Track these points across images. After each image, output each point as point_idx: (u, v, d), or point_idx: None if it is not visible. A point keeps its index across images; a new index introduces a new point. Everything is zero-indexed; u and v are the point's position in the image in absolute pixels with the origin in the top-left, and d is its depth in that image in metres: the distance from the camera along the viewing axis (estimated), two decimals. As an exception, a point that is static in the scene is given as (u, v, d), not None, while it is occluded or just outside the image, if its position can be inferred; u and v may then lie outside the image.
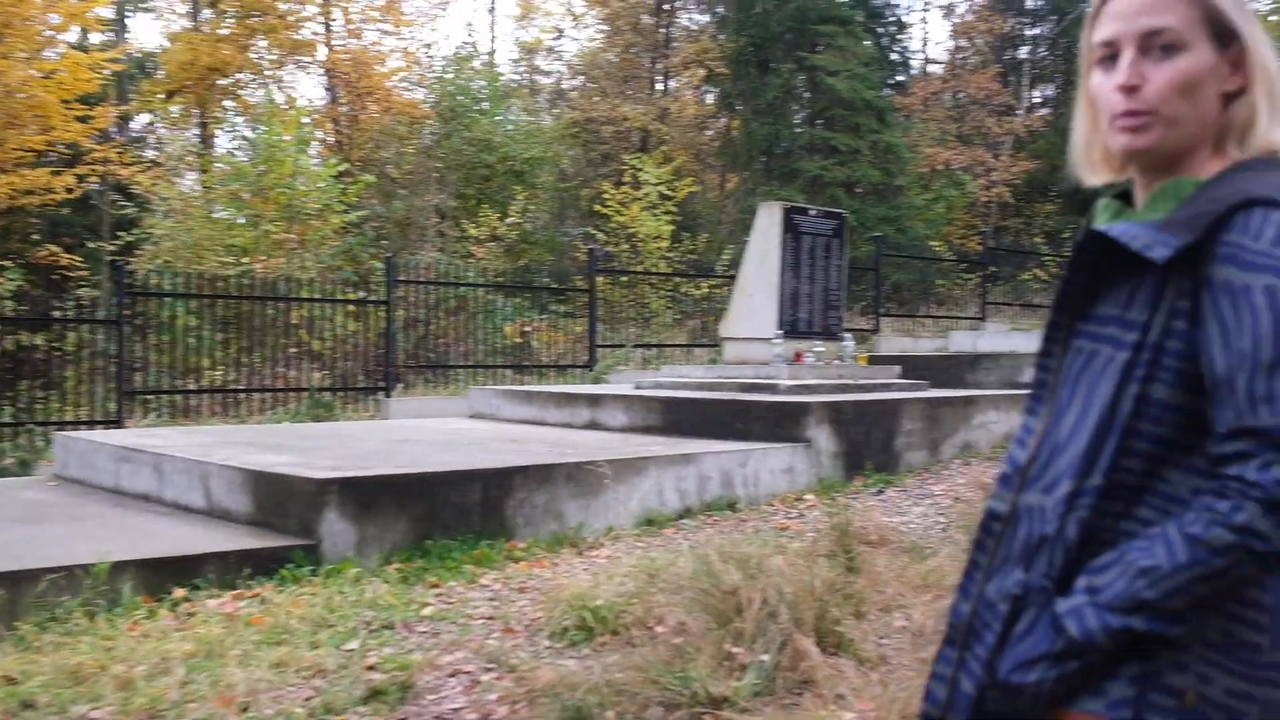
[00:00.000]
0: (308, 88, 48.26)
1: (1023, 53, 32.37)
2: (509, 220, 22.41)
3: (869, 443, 8.73)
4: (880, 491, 8.21)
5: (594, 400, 10.08)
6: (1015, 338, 15.79)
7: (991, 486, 1.58)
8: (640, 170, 23.29)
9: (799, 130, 27.65)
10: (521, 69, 39.60)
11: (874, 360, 12.08)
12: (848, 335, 11.11)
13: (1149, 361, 1.39)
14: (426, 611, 5.31)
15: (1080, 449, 1.43)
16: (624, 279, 17.67)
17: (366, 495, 6.16)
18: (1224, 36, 1.46)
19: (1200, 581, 1.30)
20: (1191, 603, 1.32)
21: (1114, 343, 1.43)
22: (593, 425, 9.88)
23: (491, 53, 36.54)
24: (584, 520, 6.92)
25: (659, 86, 34.85)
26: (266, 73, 26.91)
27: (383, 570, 5.92)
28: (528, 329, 16.54)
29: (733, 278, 12.98)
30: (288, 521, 6.21)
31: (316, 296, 13.87)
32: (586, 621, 4.86)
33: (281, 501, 6.30)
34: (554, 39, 39.59)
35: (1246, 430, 1.29)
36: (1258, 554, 1.28)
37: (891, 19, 31.76)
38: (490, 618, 5.25)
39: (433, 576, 5.91)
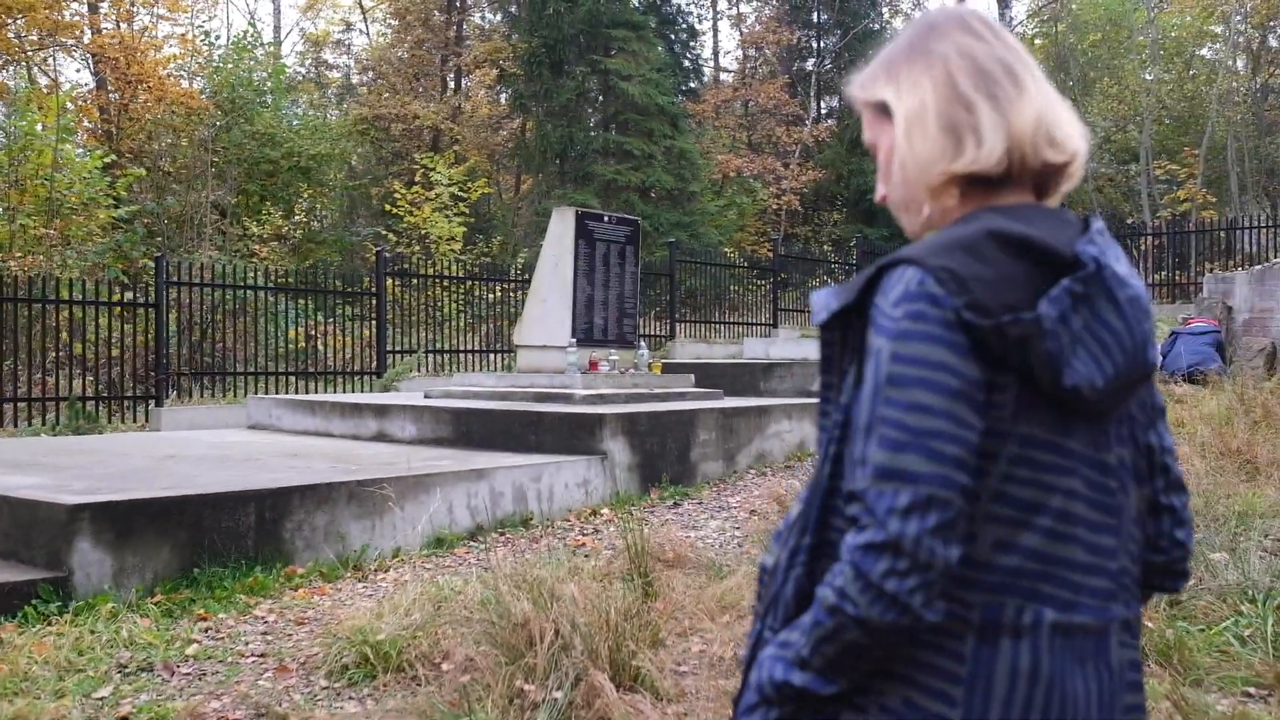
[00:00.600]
0: (72, 73, 45.32)
1: (810, 64, 33.24)
2: (294, 219, 21.52)
3: (665, 454, 8.63)
4: (677, 504, 8.11)
5: (381, 410, 9.66)
6: (806, 345, 16.08)
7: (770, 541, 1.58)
8: (432, 170, 22.77)
9: (593, 134, 27.61)
10: (308, 63, 38.32)
11: (669, 368, 12.03)
12: (643, 343, 11.02)
13: (841, 422, 1.40)
14: (191, 650, 4.87)
15: (802, 509, 1.45)
16: (415, 281, 17.17)
17: (125, 521, 5.63)
18: (889, 108, 1.51)
19: (824, 642, 1.33)
20: (828, 663, 1.34)
21: (828, 401, 1.46)
22: (380, 437, 9.46)
23: (276, 44, 35.16)
24: (369, 542, 6.55)
25: (451, 85, 34.26)
26: (24, 55, 25.07)
27: (143, 604, 5.42)
28: (314, 333, 15.87)
29: (527, 281, 12.74)
30: (34, 552, 5.62)
31: (78, 297, 12.88)
32: (368, 658, 4.53)
33: (27, 530, 5.69)
34: (342, 32, 38.50)
35: (853, 494, 1.32)
36: (851, 618, 1.29)
37: (683, 26, 32.11)
38: (263, 655, 4.85)
39: (201, 609, 5.45)
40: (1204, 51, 32.42)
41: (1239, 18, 29.51)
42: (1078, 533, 1.36)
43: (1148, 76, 30.27)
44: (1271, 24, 32.09)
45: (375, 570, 6.33)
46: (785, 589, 1.44)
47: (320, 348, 15.63)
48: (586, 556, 6.47)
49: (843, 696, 1.36)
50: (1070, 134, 1.46)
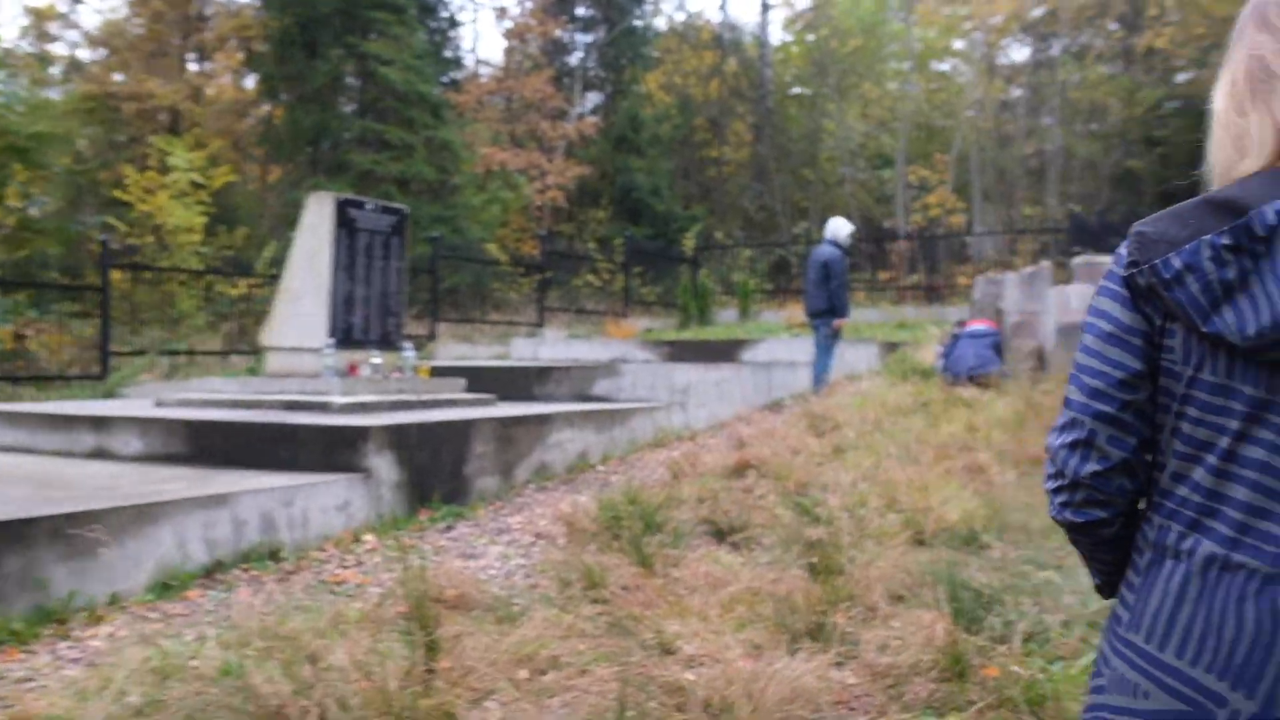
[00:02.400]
0: None
1: (575, 59, 32.63)
2: (8, 205, 19.24)
3: (436, 469, 7.68)
4: (450, 527, 7.19)
5: (100, 423, 8.28)
6: (576, 346, 15.36)
7: None
8: (169, 154, 20.84)
9: (349, 121, 26.07)
10: (30, 37, 34.94)
11: (437, 372, 11.04)
12: (408, 344, 10.01)
13: None
14: None
15: None
16: (148, 275, 15.48)
17: None
18: None
19: None
20: (1084, 560, 1.72)
21: None
22: (100, 454, 8.10)
23: (-11, 13, 31.82)
24: (78, 588, 5.35)
25: (192, 65, 31.87)
26: None
27: None
28: (26, 331, 14.01)
29: (275, 277, 11.49)
30: None
31: None
32: (64, 763, 3.46)
33: None
34: (70, 6, 35.34)
35: None
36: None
37: (445, 14, 30.93)
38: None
39: None
40: (945, 66, 33.69)
41: (979, 35, 30.81)
42: (1246, 474, 1.43)
43: (895, 85, 31.17)
44: (1004, 43, 33.74)
45: (86, 623, 5.15)
46: None
47: (33, 348, 13.79)
48: (350, 596, 5.50)
49: (1116, 589, 1.62)
50: None
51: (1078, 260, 12.69)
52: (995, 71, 32.95)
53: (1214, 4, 30.88)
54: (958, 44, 32.98)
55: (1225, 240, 1.39)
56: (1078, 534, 1.61)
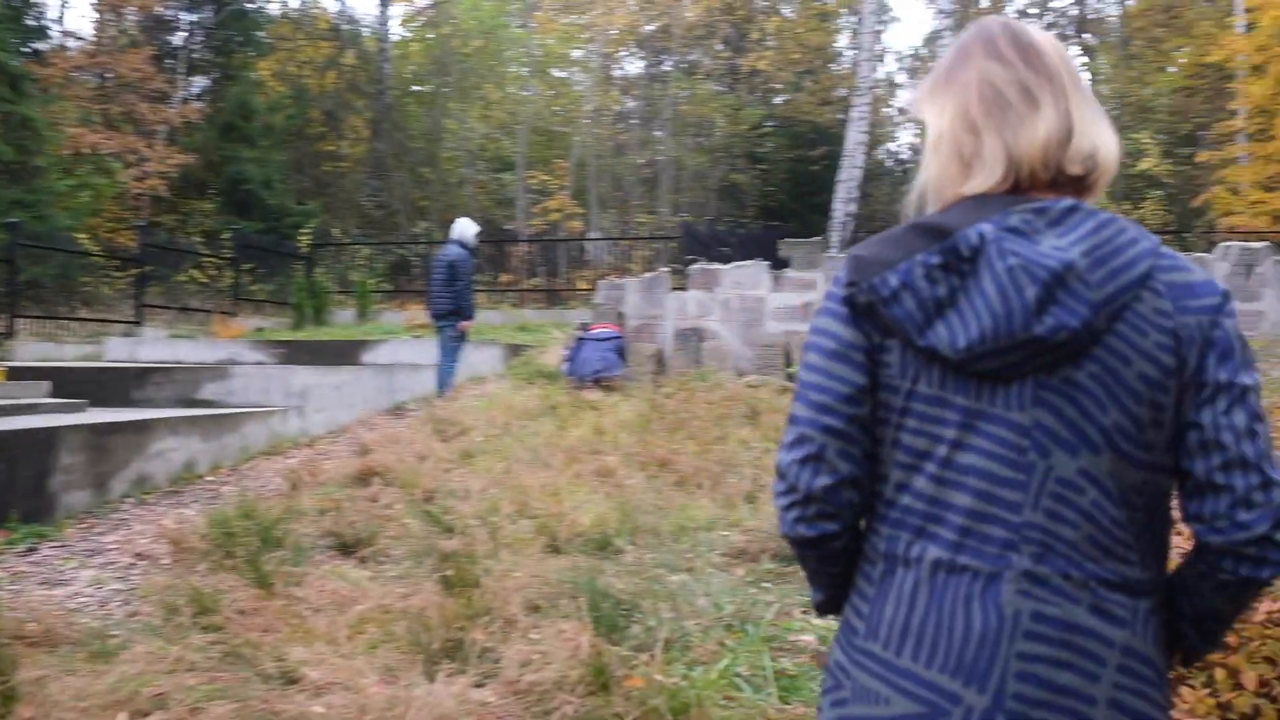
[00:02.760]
0: None
1: (178, 39, 30.46)
2: None
3: (15, 485, 6.76)
4: (32, 550, 6.35)
5: None
6: (180, 346, 14.26)
7: None
8: None
9: (-93, 89, 22.90)
10: None
11: (15, 374, 9.81)
12: (-20, 342, 8.80)
13: None
14: None
15: None
16: None
17: None
18: None
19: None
20: (804, 569, 1.71)
21: None
22: None
23: None
24: None
25: None
26: None
27: None
28: None
29: None
30: None
31: None
32: None
33: None
34: None
35: None
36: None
37: (26, -22, 27.91)
38: None
39: None
40: (563, 74, 34.33)
41: (596, 46, 31.63)
42: (967, 481, 1.50)
43: (515, 89, 31.41)
44: (620, 55, 34.90)
45: None
46: None
47: None
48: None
49: (836, 605, 1.70)
50: (1091, 146, 1.56)
51: (694, 268, 13.16)
52: (611, 82, 33.98)
53: (809, 33, 33.39)
54: (576, 53, 33.69)
55: (936, 259, 1.49)
56: (809, 548, 1.62)
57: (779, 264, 13.19)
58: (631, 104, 35.28)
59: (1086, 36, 38.90)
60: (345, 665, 4.41)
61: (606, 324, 12.46)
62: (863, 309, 1.53)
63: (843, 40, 37.80)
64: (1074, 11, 39.38)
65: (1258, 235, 24.48)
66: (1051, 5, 39.61)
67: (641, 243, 22.95)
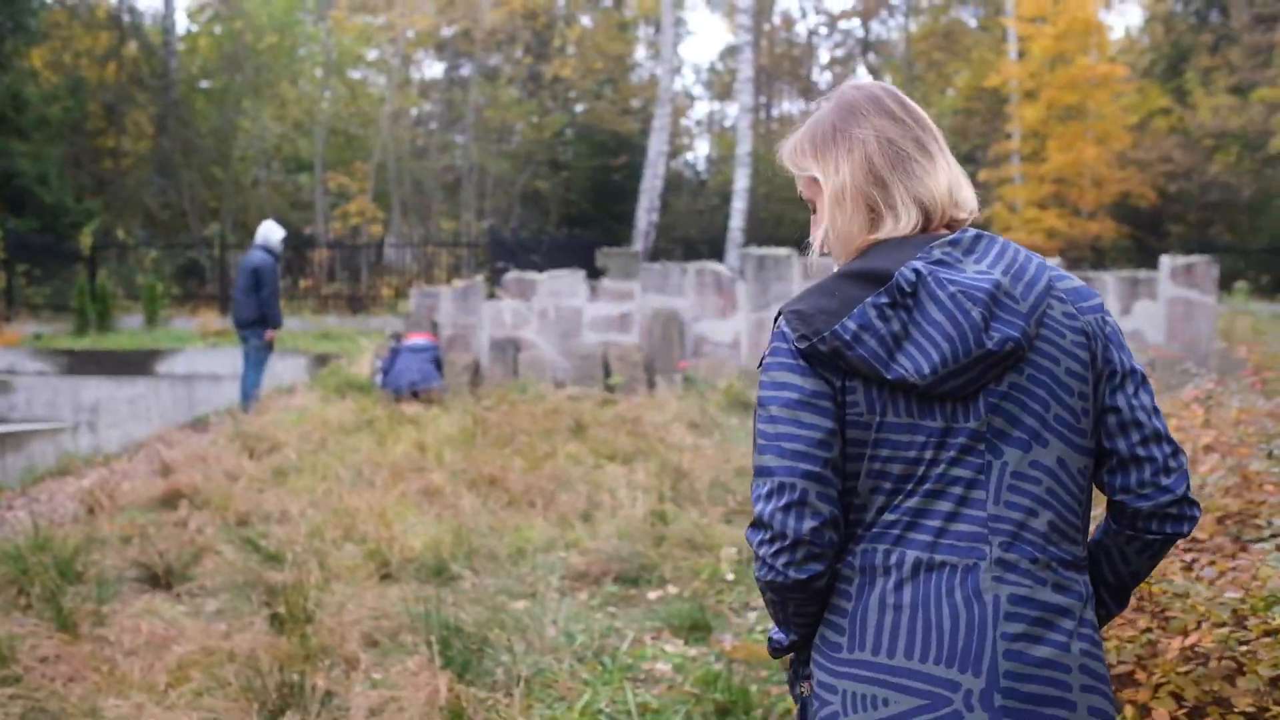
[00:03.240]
0: None
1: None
2: None
3: None
4: None
5: None
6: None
7: None
8: None
9: None
10: None
11: None
12: None
13: None
14: None
15: None
16: None
17: None
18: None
19: (766, 603, 1.77)
20: (776, 619, 1.79)
21: None
22: None
23: None
24: None
25: None
26: None
27: None
28: None
29: None
30: None
31: None
32: None
33: None
34: None
35: None
36: (757, 580, 1.72)
37: None
38: None
39: None
40: (359, 74, 33.39)
41: (393, 47, 30.92)
42: (951, 490, 1.64)
43: (311, 88, 30.37)
44: (419, 57, 34.24)
45: None
46: None
47: None
48: None
49: (805, 643, 1.79)
50: (969, 196, 1.79)
51: (510, 277, 12.90)
52: (411, 85, 33.27)
53: (608, 43, 33.50)
54: (373, 53, 32.83)
55: (884, 299, 1.64)
56: (796, 592, 1.69)
57: (592, 273, 13.06)
58: (431, 107, 34.63)
59: (871, 58, 40.45)
60: (168, 718, 4.01)
61: (422, 333, 12.06)
62: (825, 357, 1.65)
63: (640, 51, 38.16)
64: (860, 34, 40.87)
65: (1038, 251, 25.85)
66: (841, 27, 41.09)
67: (447, 249, 22.45)
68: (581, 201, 32.48)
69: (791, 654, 1.85)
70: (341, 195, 27.44)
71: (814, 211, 1.84)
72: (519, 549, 6.43)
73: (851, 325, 1.63)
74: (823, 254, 1.84)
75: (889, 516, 1.66)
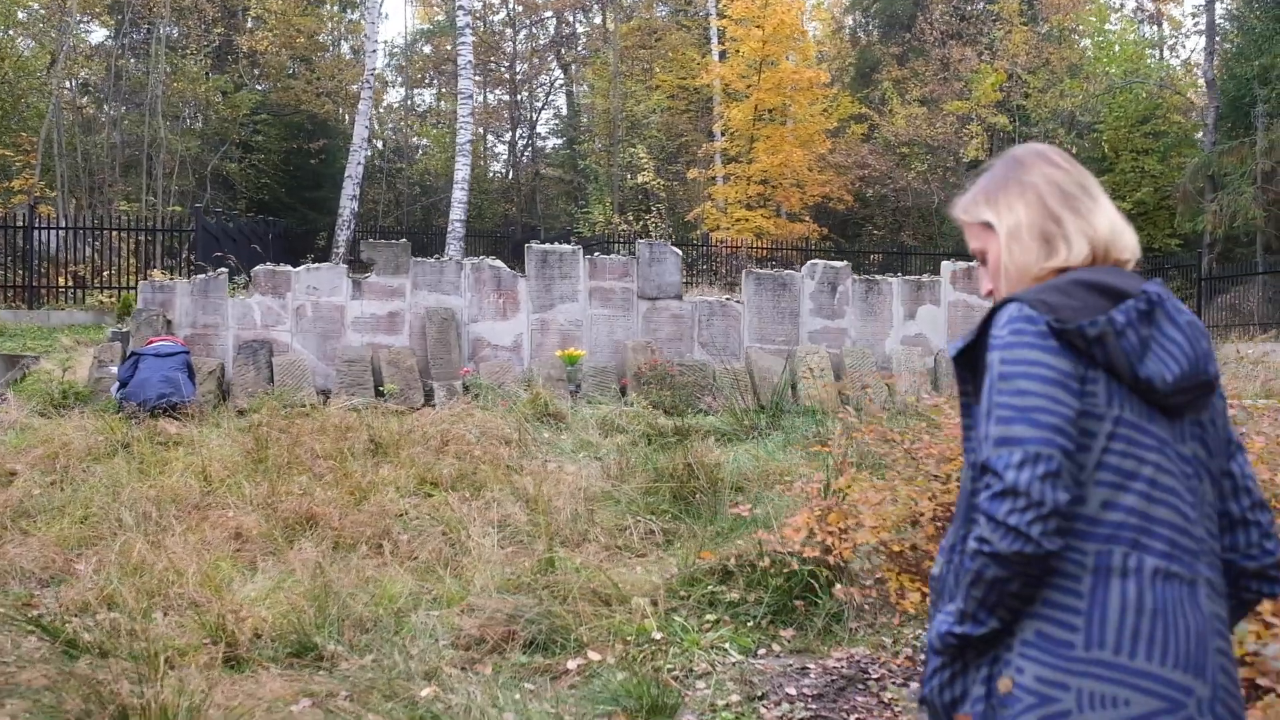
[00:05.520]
0: None
1: None
2: None
3: None
4: None
5: None
6: None
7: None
8: None
9: None
10: None
11: None
12: None
13: (973, 436, 1.86)
14: None
15: (958, 510, 1.91)
16: None
17: None
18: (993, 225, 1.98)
19: (973, 586, 1.72)
20: (979, 604, 1.72)
21: (967, 422, 1.90)
22: None
23: None
24: None
25: None
26: None
27: None
28: None
29: None
30: None
31: None
32: None
33: None
34: None
35: (983, 465, 1.73)
36: (988, 555, 1.68)
37: None
38: None
39: None
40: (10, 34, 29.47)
41: (53, 6, 27.49)
42: (1168, 499, 1.72)
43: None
44: (84, 20, 30.71)
45: None
46: (946, 576, 1.87)
47: None
48: None
49: (993, 638, 1.74)
50: (1132, 241, 1.93)
51: (260, 269, 11.27)
52: (78, 51, 29.68)
53: (301, 18, 31.24)
54: (22, 14, 29.01)
55: (1142, 306, 1.79)
56: (1037, 565, 1.68)
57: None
58: (96, 76, 31.07)
59: (574, 51, 40.11)
60: None
61: (169, 336, 10.27)
62: (1083, 342, 1.74)
63: (333, 30, 36.05)
64: (564, 29, 40.43)
65: (743, 249, 26.26)
66: (539, 18, 40.45)
67: (133, 234, 19.91)
68: (275, 186, 30.08)
69: (966, 648, 1.79)
70: (4, 170, 24.02)
71: (982, 263, 2.00)
72: (388, 610, 5.23)
73: (1120, 319, 1.74)
74: (987, 296, 2.01)
75: (1114, 516, 1.71)
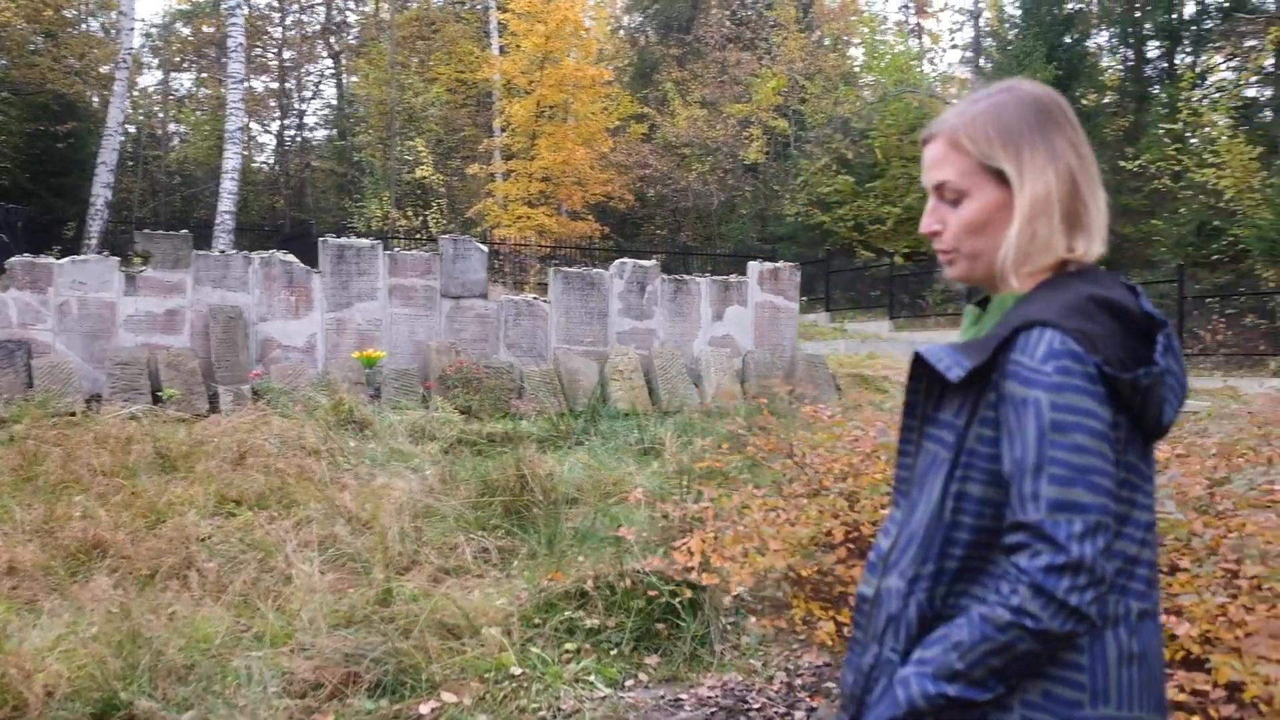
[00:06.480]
0: None
1: None
2: None
3: None
4: None
5: None
6: None
7: (863, 573, 1.80)
8: None
9: None
10: None
11: None
12: None
13: (965, 464, 1.61)
14: None
15: (918, 539, 1.65)
16: None
17: None
18: (1003, 175, 1.65)
19: (992, 654, 1.52)
20: (992, 673, 1.53)
21: (944, 445, 1.65)
22: None
23: None
24: None
25: None
26: None
27: None
28: None
29: None
30: None
31: None
32: None
33: None
34: None
35: (1020, 524, 1.51)
36: (1031, 631, 1.49)
37: None
38: None
39: None
40: None
41: None
42: (1149, 537, 1.64)
43: None
44: None
45: None
46: (907, 611, 1.64)
47: None
48: None
49: (994, 700, 1.56)
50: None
51: (16, 261, 10.07)
52: None
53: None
54: None
55: (1167, 342, 1.62)
56: (1067, 642, 1.55)
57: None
58: None
59: (345, 40, 38.65)
60: None
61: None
62: (1143, 390, 1.57)
63: (84, 3, 33.52)
64: (335, 16, 38.92)
65: (526, 247, 25.85)
66: (314, 2, 38.78)
67: None
68: (17, 171, 27.60)
69: (950, 709, 1.60)
70: None
71: (953, 204, 1.70)
72: (205, 654, 4.55)
73: (1161, 363, 1.60)
74: (931, 235, 1.74)
75: (1112, 564, 1.60)
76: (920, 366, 1.69)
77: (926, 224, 1.72)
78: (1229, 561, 2.92)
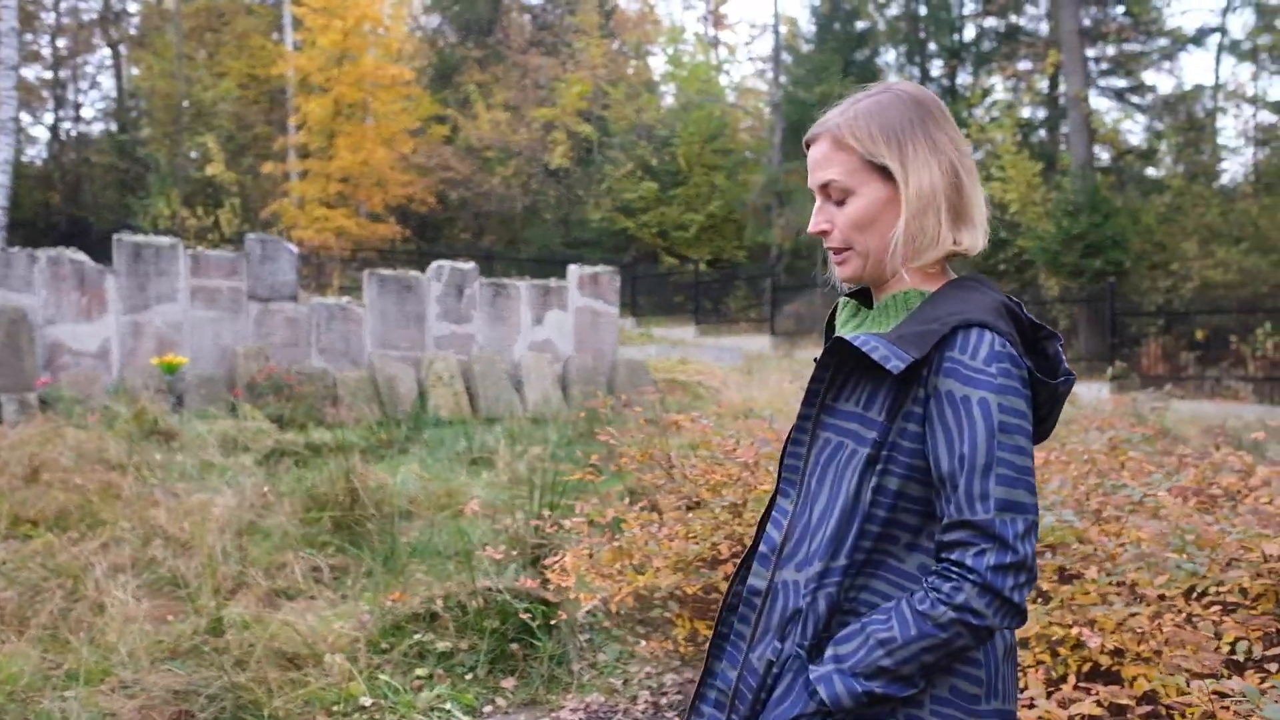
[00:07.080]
0: None
1: None
2: None
3: None
4: None
5: None
6: None
7: (752, 564, 1.76)
8: None
9: None
10: None
11: None
12: None
13: (885, 458, 1.58)
14: None
15: (829, 532, 1.61)
16: None
17: None
18: (888, 171, 1.65)
19: (927, 651, 1.53)
20: (921, 669, 1.54)
21: (856, 438, 1.61)
22: None
23: None
24: None
25: None
26: None
27: None
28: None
29: None
30: None
31: None
32: None
33: None
34: None
35: (965, 523, 1.51)
36: (973, 627, 1.51)
37: None
38: None
39: None
40: None
41: None
42: None
43: None
44: None
45: None
46: (816, 605, 1.60)
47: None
48: None
49: (910, 695, 1.57)
50: None
51: None
52: None
53: None
54: None
55: (1059, 349, 1.70)
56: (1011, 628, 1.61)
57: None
58: None
59: (124, 29, 36.61)
60: None
61: None
62: (1059, 396, 1.67)
63: None
64: (113, 4, 36.82)
65: (328, 249, 25.04)
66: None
67: None
68: None
69: (872, 705, 1.59)
70: None
71: (840, 203, 1.70)
72: (9, 697, 4.06)
73: (1070, 371, 1.67)
74: (819, 234, 1.74)
75: None
76: (832, 355, 1.65)
77: (815, 223, 1.72)
78: (1133, 571, 2.90)
